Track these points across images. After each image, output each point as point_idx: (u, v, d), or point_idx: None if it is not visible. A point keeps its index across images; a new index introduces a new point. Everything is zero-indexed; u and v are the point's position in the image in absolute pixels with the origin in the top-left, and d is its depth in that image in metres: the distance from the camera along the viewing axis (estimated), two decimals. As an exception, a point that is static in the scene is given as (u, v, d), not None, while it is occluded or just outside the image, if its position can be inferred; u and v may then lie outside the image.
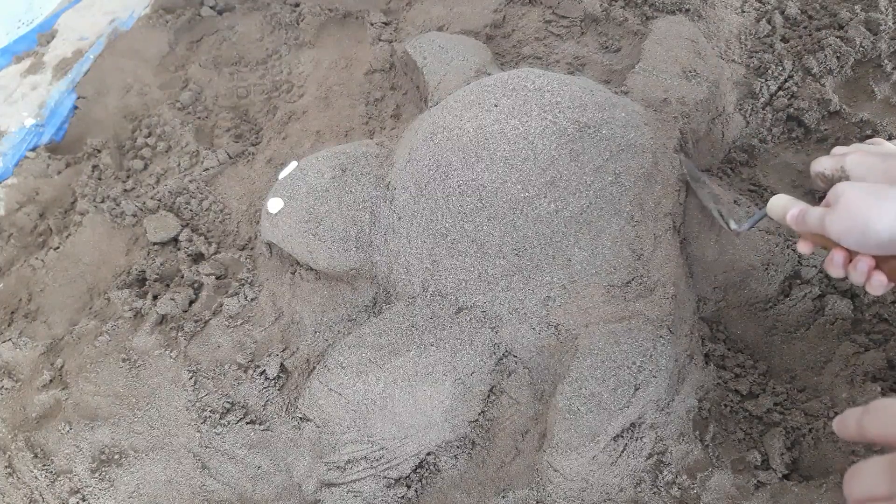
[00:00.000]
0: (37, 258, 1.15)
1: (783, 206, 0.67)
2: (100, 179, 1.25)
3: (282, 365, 0.92)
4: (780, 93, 1.12)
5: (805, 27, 1.18)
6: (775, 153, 1.08)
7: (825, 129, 1.08)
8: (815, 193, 1.01)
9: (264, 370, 0.91)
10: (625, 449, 0.77)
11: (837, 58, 1.11)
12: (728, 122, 1.08)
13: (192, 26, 1.49)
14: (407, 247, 0.90)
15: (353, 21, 1.42)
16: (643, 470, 0.78)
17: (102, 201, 1.19)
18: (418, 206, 0.90)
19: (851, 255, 0.61)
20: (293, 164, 1.02)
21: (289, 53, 1.41)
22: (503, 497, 0.81)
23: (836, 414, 0.68)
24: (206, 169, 1.21)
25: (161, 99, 1.37)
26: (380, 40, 1.33)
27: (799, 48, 1.15)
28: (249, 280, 1.02)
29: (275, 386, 0.91)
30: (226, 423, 0.87)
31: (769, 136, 1.09)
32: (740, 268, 0.88)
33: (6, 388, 0.97)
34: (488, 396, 0.86)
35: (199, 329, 0.97)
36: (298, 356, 0.94)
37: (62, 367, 0.97)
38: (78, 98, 1.39)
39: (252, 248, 1.09)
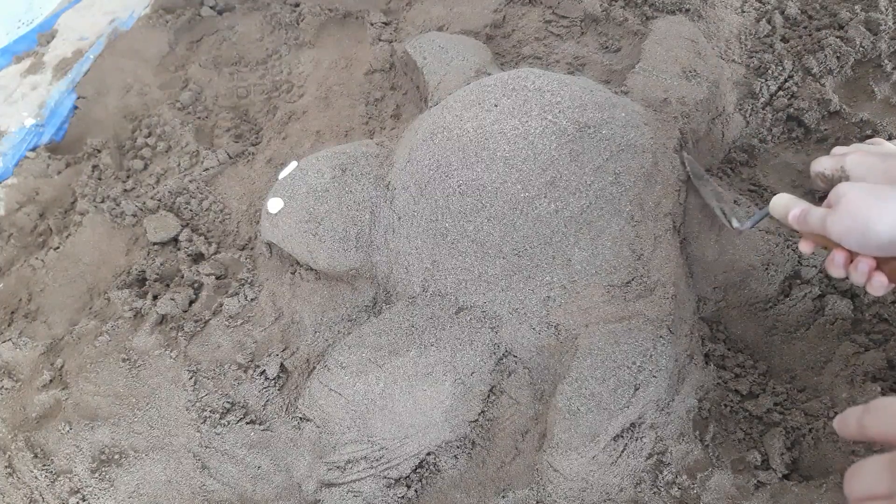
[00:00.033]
0: (37, 258, 1.15)
1: (785, 205, 0.67)
2: (100, 179, 1.25)
3: (282, 365, 0.92)
4: (780, 93, 1.12)
5: (805, 27, 1.18)
6: (775, 153, 1.08)
7: (825, 129, 1.08)
8: (815, 193, 1.01)
9: (264, 370, 0.91)
10: (625, 449, 0.77)
11: (837, 58, 1.11)
12: (728, 122, 1.08)
13: (192, 26, 1.49)
14: (407, 247, 0.90)
15: (353, 21, 1.42)
16: (643, 470, 0.78)
17: (102, 201, 1.19)
18: (418, 206, 0.90)
19: (852, 255, 0.61)
20: (293, 164, 1.02)
21: (289, 53, 1.41)
22: (503, 497, 0.81)
23: (836, 414, 0.68)
24: (206, 169, 1.21)
25: (161, 99, 1.37)
26: (380, 40, 1.33)
27: (799, 48, 1.15)
28: (249, 280, 1.02)
29: (275, 386, 0.91)
30: (226, 423, 0.87)
31: (769, 136, 1.09)
32: (740, 268, 0.88)
33: (6, 388, 0.97)
34: (488, 396, 0.86)
35: (199, 329, 0.97)
36: (298, 356, 0.94)
37: (62, 367, 0.97)
38: (78, 98, 1.39)
39: (252, 248, 1.09)
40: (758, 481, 0.77)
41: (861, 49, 1.11)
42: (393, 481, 0.83)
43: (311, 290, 0.98)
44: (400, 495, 0.83)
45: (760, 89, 1.11)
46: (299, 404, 0.86)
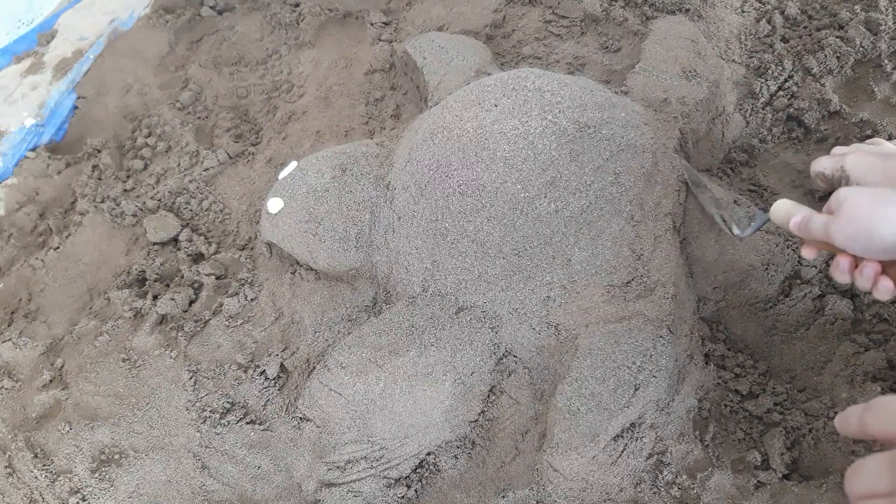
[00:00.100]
0: (37, 258, 1.15)
1: (786, 211, 0.66)
2: (100, 179, 1.25)
3: (282, 365, 0.92)
4: (780, 93, 1.12)
5: (805, 27, 1.18)
6: (775, 153, 1.08)
7: (825, 129, 1.08)
8: (815, 193, 1.01)
9: (264, 370, 0.91)
10: (625, 449, 0.77)
11: (837, 58, 1.11)
12: (728, 122, 1.08)
13: (192, 26, 1.49)
14: (407, 247, 0.90)
15: (353, 21, 1.42)
16: (643, 470, 0.78)
17: (102, 201, 1.19)
18: (418, 206, 0.90)
19: (857, 260, 0.61)
20: (293, 164, 1.02)
21: (289, 53, 1.41)
22: (503, 497, 0.81)
23: (837, 414, 0.68)
24: (206, 169, 1.21)
25: (161, 99, 1.37)
26: (380, 40, 1.33)
27: (799, 48, 1.15)
28: (249, 280, 1.02)
29: (275, 386, 0.91)
30: (226, 423, 0.87)
31: (769, 136, 1.09)
32: (740, 268, 0.88)
33: (6, 388, 0.97)
34: (488, 396, 0.86)
35: (199, 329, 0.97)
36: (298, 356, 0.94)
37: (62, 367, 0.97)
38: (78, 98, 1.39)
39: (252, 248, 1.09)
40: (758, 481, 0.77)
41: (861, 49, 1.11)
42: (393, 481, 0.83)
43: (311, 290, 0.98)
44: (400, 495, 0.83)
45: (760, 89, 1.11)
46: (299, 404, 0.86)
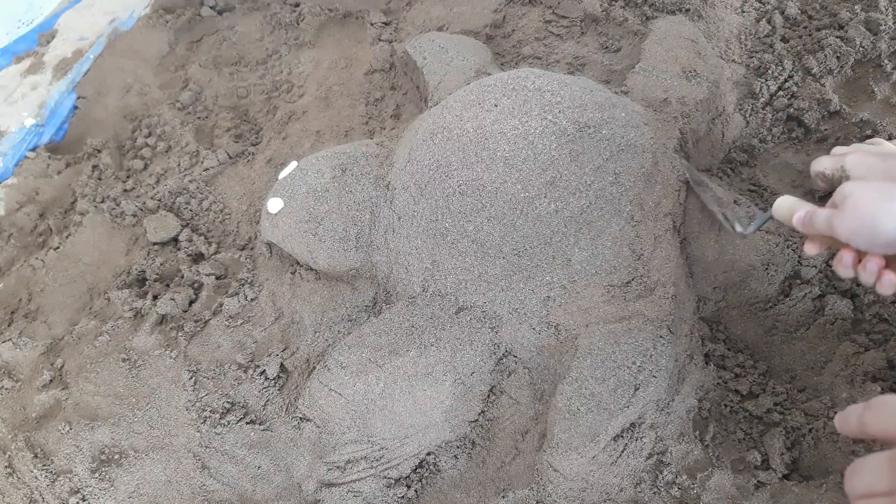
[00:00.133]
0: (37, 258, 1.15)
1: (789, 207, 0.66)
2: (100, 179, 1.25)
3: (282, 365, 0.92)
4: (780, 93, 1.12)
5: (805, 27, 1.19)
6: (775, 153, 1.08)
7: (825, 129, 1.08)
8: (815, 193, 1.01)
9: (264, 370, 0.91)
10: (625, 449, 0.77)
11: (837, 58, 1.11)
12: (728, 122, 1.08)
13: (192, 26, 1.49)
14: (407, 247, 0.90)
15: (353, 21, 1.42)
16: (643, 470, 0.78)
17: (102, 201, 1.19)
18: (418, 206, 0.90)
19: (860, 255, 0.61)
20: (293, 164, 1.02)
21: (289, 53, 1.41)
22: (503, 497, 0.81)
23: (837, 414, 0.68)
24: (206, 169, 1.21)
25: (161, 99, 1.37)
26: (380, 40, 1.33)
27: (799, 48, 1.15)
28: (249, 280, 1.02)
29: (275, 386, 0.91)
30: (226, 423, 0.87)
31: (769, 136, 1.09)
32: (740, 268, 0.88)
33: (6, 388, 0.97)
34: (488, 396, 0.86)
35: (199, 329, 0.97)
36: (298, 356, 0.94)
37: (62, 367, 0.97)
38: (78, 98, 1.39)
39: (252, 248, 1.09)
40: (758, 481, 0.77)
41: (861, 49, 1.11)
42: (393, 481, 0.83)
43: (311, 290, 0.98)
44: (400, 495, 0.83)
45: (760, 89, 1.11)
46: (299, 404, 0.86)
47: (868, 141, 0.74)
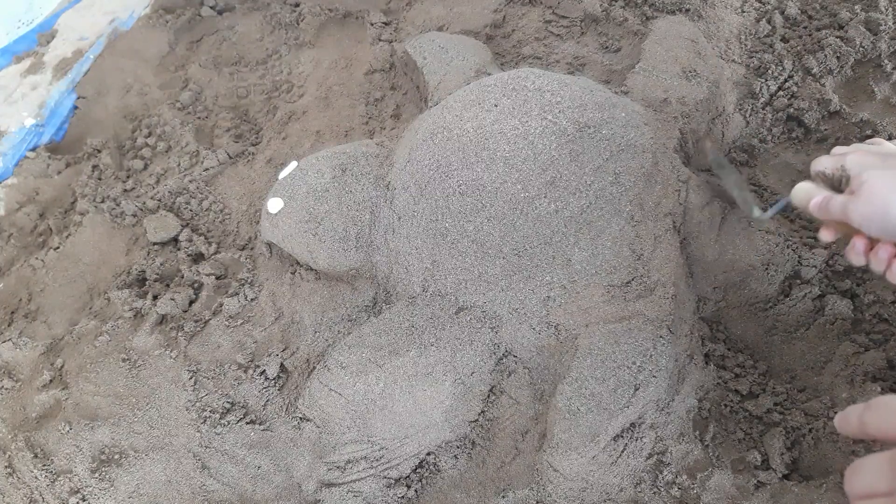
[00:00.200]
0: (37, 258, 1.15)
1: (807, 192, 0.67)
2: (100, 179, 1.25)
3: (282, 365, 0.92)
4: (780, 93, 1.12)
5: (805, 27, 1.19)
6: (775, 153, 1.08)
7: (825, 129, 1.08)
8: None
9: (264, 370, 0.91)
10: (625, 449, 0.77)
11: (837, 58, 1.11)
12: (728, 122, 1.08)
13: (192, 26, 1.49)
14: (407, 247, 0.90)
15: (353, 21, 1.42)
16: (643, 470, 0.78)
17: (102, 201, 1.19)
18: (418, 206, 0.90)
19: (873, 243, 0.61)
20: (293, 164, 1.02)
21: (289, 53, 1.41)
22: (503, 497, 0.81)
23: (837, 414, 0.68)
24: (206, 169, 1.21)
25: (161, 99, 1.37)
26: (380, 40, 1.33)
27: (799, 48, 1.15)
28: (249, 280, 1.02)
29: (275, 386, 0.91)
30: (226, 423, 0.87)
31: (769, 136, 1.09)
32: (740, 268, 0.88)
33: (6, 388, 0.97)
34: (488, 396, 0.86)
35: (199, 329, 0.97)
36: (298, 356, 0.94)
37: (62, 367, 0.97)
38: (78, 98, 1.39)
39: (252, 248, 1.09)
40: (758, 481, 0.77)
41: (861, 49, 1.11)
42: (393, 481, 0.83)
43: (311, 290, 0.98)
44: (400, 495, 0.83)
45: (760, 89, 1.11)
46: (299, 404, 0.86)
47: (868, 141, 0.74)
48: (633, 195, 0.85)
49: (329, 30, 1.43)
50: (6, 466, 0.88)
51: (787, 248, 0.88)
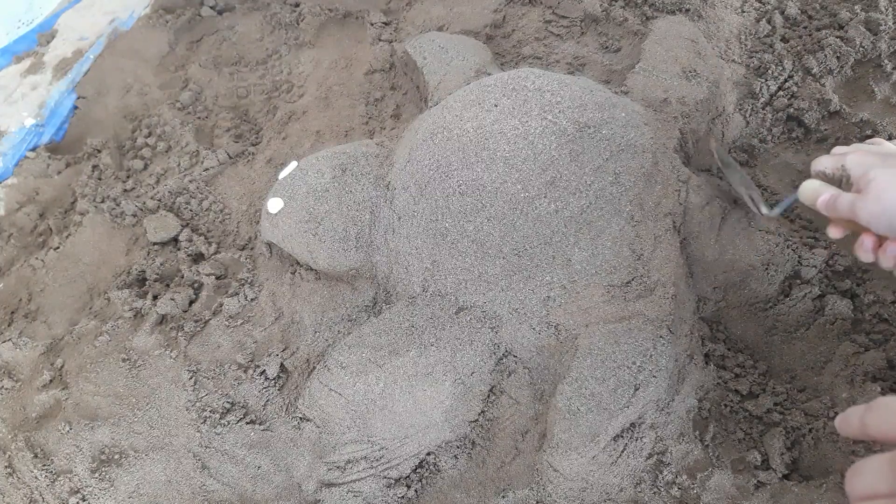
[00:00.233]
0: (37, 258, 1.15)
1: (815, 190, 0.68)
2: (100, 179, 1.25)
3: (282, 365, 0.92)
4: (780, 93, 1.12)
5: (805, 27, 1.18)
6: (775, 153, 1.08)
7: (825, 129, 1.08)
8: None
9: (264, 370, 0.91)
10: (625, 449, 0.77)
11: (837, 58, 1.11)
12: (728, 122, 1.08)
13: (192, 26, 1.49)
14: (407, 247, 0.90)
15: (353, 21, 1.42)
16: (643, 470, 0.78)
17: (102, 201, 1.19)
18: (418, 206, 0.90)
19: (881, 240, 0.62)
20: (293, 164, 1.02)
21: (289, 53, 1.41)
22: (503, 497, 0.81)
23: (837, 414, 0.68)
24: (206, 169, 1.21)
25: (161, 99, 1.37)
26: (380, 40, 1.33)
27: (799, 48, 1.15)
28: (249, 280, 1.02)
29: (275, 386, 0.91)
30: (226, 423, 0.87)
31: (769, 136, 1.09)
32: (740, 268, 0.88)
33: (6, 388, 0.97)
34: (488, 396, 0.86)
35: (199, 329, 0.97)
36: (298, 356, 0.94)
37: (62, 367, 0.97)
38: (78, 98, 1.39)
39: (252, 248, 1.09)
40: (758, 481, 0.77)
41: (861, 49, 1.11)
42: (393, 481, 0.83)
43: (311, 290, 0.98)
44: (400, 495, 0.83)
45: (760, 89, 1.11)
46: (299, 404, 0.86)
47: (868, 141, 0.74)
48: (633, 195, 0.85)
49: (329, 30, 1.43)
50: (6, 466, 0.88)
51: (787, 248, 0.88)
